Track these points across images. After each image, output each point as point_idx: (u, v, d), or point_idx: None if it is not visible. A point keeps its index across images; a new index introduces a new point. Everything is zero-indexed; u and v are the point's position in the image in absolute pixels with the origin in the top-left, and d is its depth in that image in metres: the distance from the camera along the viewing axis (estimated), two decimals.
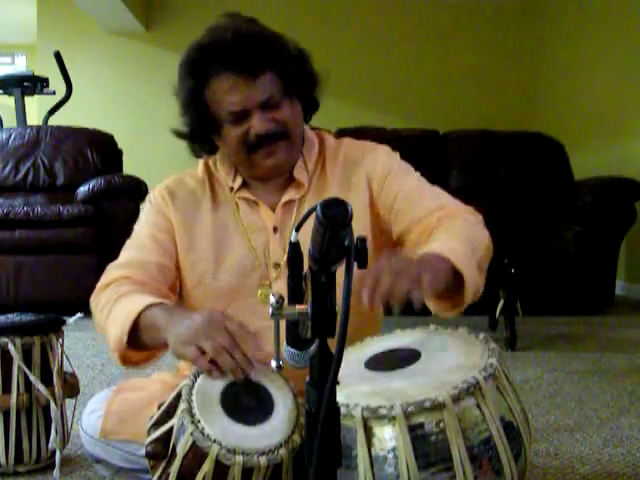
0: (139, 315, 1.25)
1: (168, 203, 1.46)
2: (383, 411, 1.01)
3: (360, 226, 1.41)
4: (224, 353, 1.11)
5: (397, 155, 1.52)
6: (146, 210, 1.49)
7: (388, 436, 1.01)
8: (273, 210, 1.44)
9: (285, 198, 1.44)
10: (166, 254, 1.43)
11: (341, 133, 3.96)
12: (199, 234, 1.44)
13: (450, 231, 1.28)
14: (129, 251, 1.45)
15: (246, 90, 1.34)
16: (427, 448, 1.00)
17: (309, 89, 1.45)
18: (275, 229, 1.42)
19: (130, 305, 1.29)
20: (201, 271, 1.43)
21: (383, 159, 1.48)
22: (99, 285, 1.41)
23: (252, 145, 1.38)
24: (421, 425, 1.01)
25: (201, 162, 1.52)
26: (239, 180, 1.46)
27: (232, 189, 1.46)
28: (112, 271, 1.42)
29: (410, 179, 1.46)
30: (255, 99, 1.35)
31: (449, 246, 1.19)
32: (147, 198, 1.51)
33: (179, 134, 1.47)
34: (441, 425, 1.00)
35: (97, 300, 1.39)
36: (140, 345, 1.29)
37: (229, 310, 1.36)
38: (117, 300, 1.33)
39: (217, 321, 1.15)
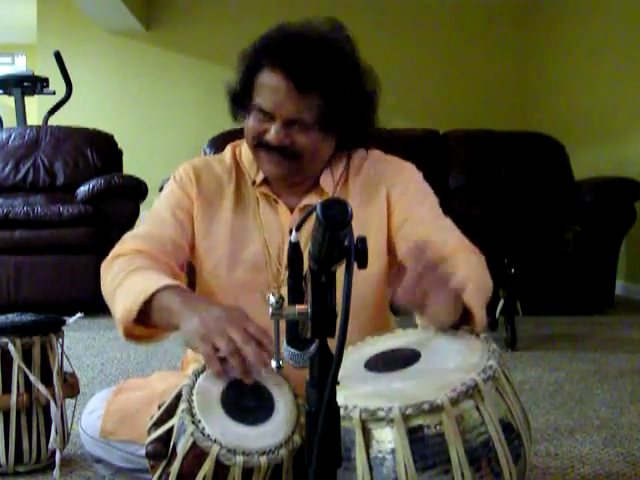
0: (154, 294, 1.22)
1: (193, 183, 1.44)
2: (381, 413, 1.01)
3: (377, 241, 1.41)
4: (237, 355, 1.08)
5: (420, 175, 1.50)
6: (170, 186, 1.47)
7: (386, 438, 1.01)
8: (292, 211, 1.43)
9: (305, 201, 1.43)
10: (183, 232, 1.42)
11: None
12: (218, 222, 1.43)
13: (463, 265, 1.25)
14: (147, 223, 1.44)
15: (285, 98, 1.31)
16: (425, 450, 1.00)
17: (357, 127, 1.40)
18: (291, 231, 1.42)
19: (146, 281, 1.26)
20: (216, 260, 1.42)
21: (405, 177, 1.46)
22: (113, 253, 1.38)
23: (261, 144, 1.37)
24: (419, 427, 1.00)
25: (228, 148, 1.51)
26: (261, 175, 1.44)
27: (254, 183, 1.45)
28: (128, 241, 1.40)
29: (424, 206, 1.43)
30: (286, 112, 1.32)
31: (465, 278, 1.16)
32: (172, 174, 1.49)
33: (228, 90, 1.43)
34: (439, 427, 1.00)
35: (109, 267, 1.36)
36: (148, 322, 1.26)
37: (238, 305, 1.35)
38: (132, 272, 1.30)
39: (237, 319, 1.12)
